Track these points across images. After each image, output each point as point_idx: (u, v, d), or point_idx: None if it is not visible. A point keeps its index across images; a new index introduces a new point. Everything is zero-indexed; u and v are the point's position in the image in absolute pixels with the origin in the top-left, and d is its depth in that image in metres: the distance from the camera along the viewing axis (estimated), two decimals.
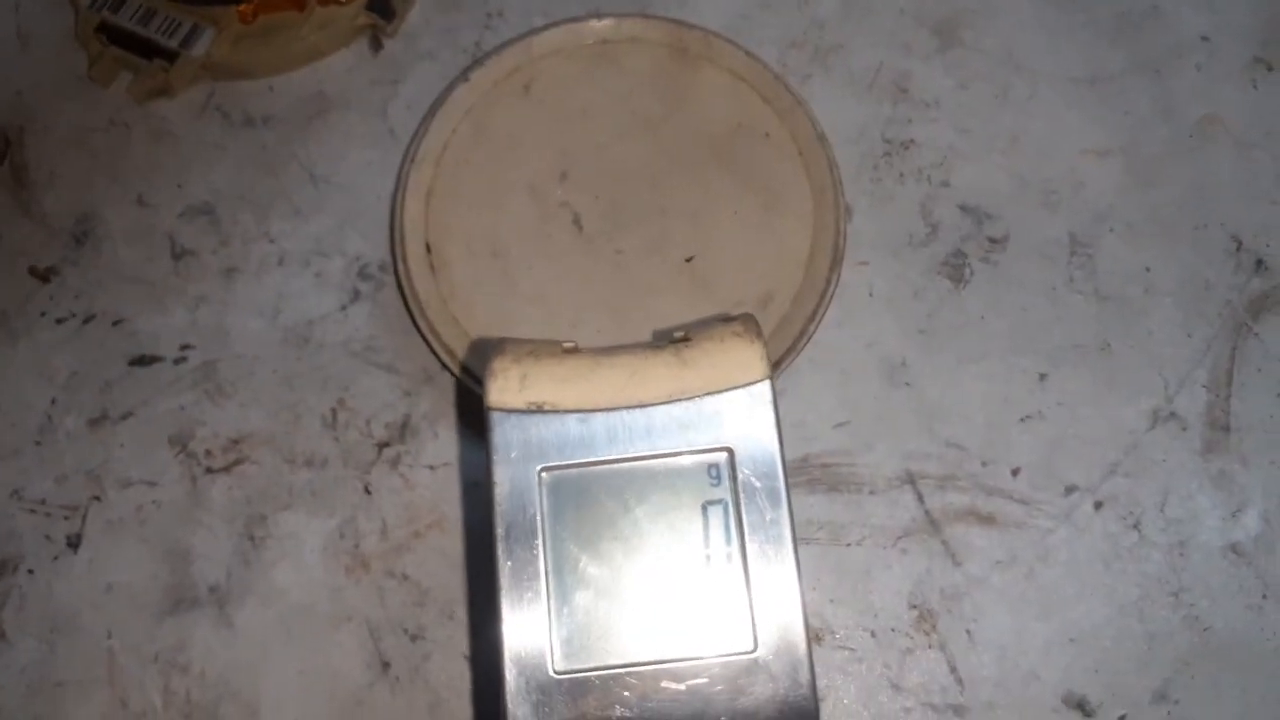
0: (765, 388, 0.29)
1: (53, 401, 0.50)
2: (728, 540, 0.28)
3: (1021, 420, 0.48)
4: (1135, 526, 0.47)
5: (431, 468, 0.48)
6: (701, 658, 0.27)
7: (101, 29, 0.54)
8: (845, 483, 0.47)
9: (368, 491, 0.48)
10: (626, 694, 0.26)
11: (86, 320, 0.51)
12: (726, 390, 0.29)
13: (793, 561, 0.28)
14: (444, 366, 0.48)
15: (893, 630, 0.46)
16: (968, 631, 0.46)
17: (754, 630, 0.27)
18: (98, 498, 0.48)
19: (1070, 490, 0.47)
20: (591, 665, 0.27)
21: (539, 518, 0.28)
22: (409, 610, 0.46)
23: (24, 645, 0.46)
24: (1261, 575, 0.46)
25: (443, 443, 0.49)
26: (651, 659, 0.27)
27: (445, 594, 0.47)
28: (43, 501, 0.48)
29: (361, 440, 0.49)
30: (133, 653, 0.46)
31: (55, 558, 0.47)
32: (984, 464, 0.48)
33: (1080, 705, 0.44)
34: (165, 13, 0.54)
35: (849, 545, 0.47)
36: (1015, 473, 0.48)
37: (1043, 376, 0.49)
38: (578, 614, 0.27)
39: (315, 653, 0.46)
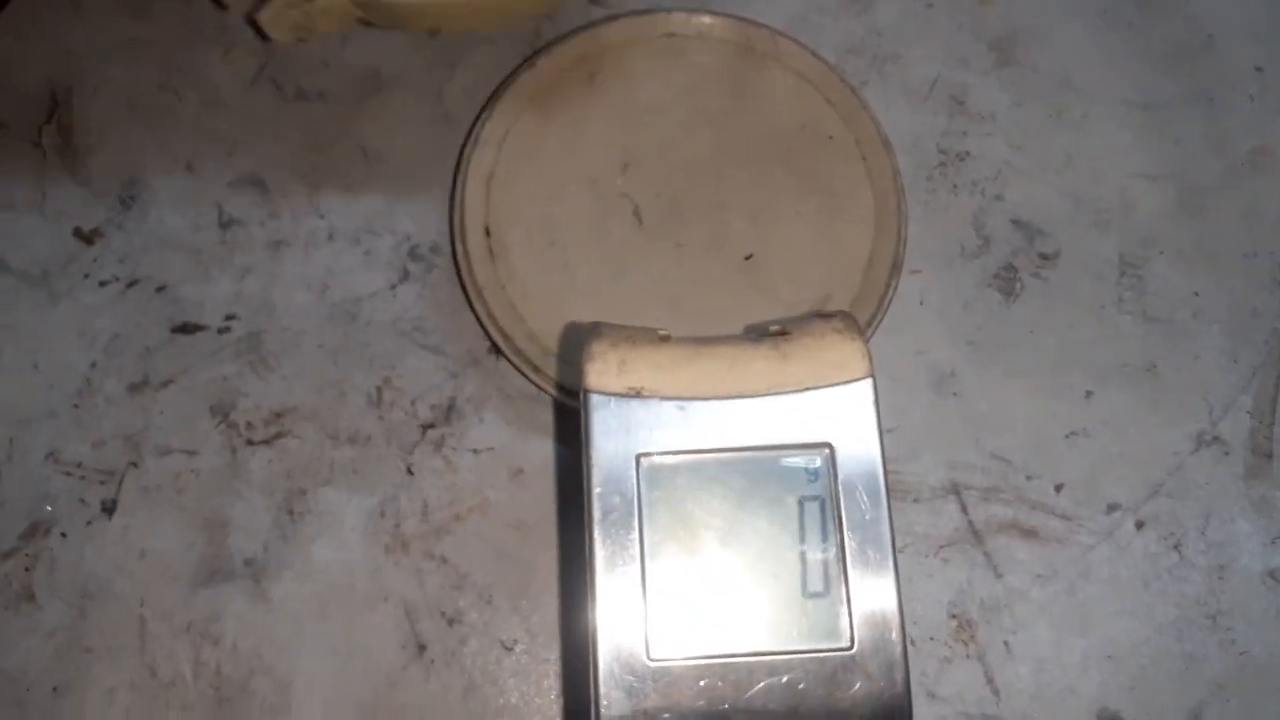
0: (867, 385, 0.29)
1: (93, 365, 0.49)
2: (824, 537, 0.28)
3: (1066, 436, 0.49)
4: (1176, 548, 0.47)
5: (475, 451, 0.48)
6: (798, 653, 0.27)
7: None
8: (890, 489, 0.47)
9: (410, 472, 0.48)
10: (721, 685, 0.26)
11: (130, 285, 0.51)
12: (827, 386, 0.29)
13: (892, 561, 0.28)
14: (497, 350, 0.48)
15: (932, 639, 0.46)
16: (1006, 643, 0.46)
17: (851, 628, 0.27)
18: (135, 464, 0.48)
19: (1113, 508, 0.47)
20: (687, 654, 0.27)
21: (636, 503, 0.28)
22: (447, 593, 0.46)
23: (53, 609, 0.46)
24: None
25: (488, 426, 0.48)
26: (747, 651, 0.27)
27: (484, 578, 0.46)
28: (79, 465, 0.48)
29: (405, 420, 0.48)
30: (164, 622, 0.46)
31: (89, 522, 0.47)
32: (1028, 478, 0.48)
33: None
34: None
35: None
36: (1059, 488, 0.48)
37: (1089, 394, 0.49)
38: (674, 602, 0.27)
39: (350, 631, 0.46)
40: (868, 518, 0.28)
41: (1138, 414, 0.49)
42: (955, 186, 0.53)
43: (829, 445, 0.28)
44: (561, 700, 0.45)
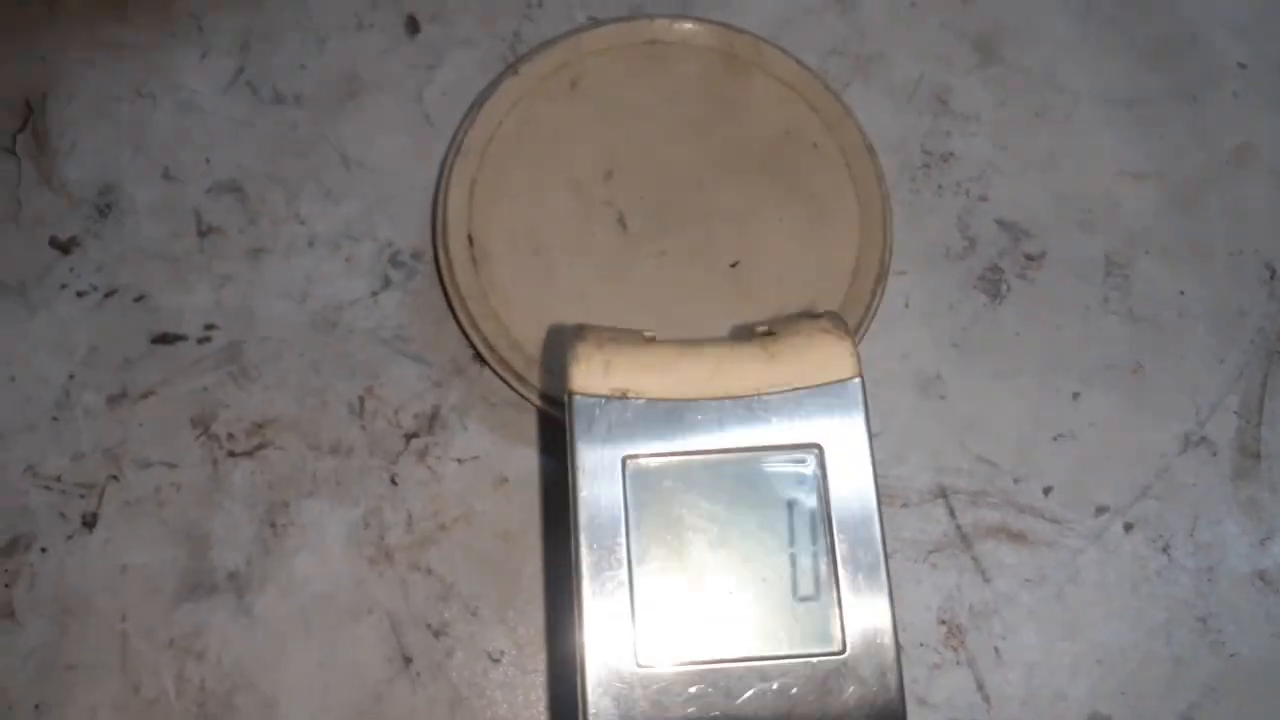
0: (856, 385, 0.28)
1: (71, 377, 0.48)
2: (814, 539, 0.28)
3: (1054, 439, 0.48)
4: (1164, 550, 0.47)
5: (460, 461, 0.48)
6: (789, 657, 0.26)
7: None
8: (880, 491, 0.47)
9: (394, 482, 0.47)
10: (711, 691, 0.26)
11: (108, 294, 0.50)
12: (816, 386, 0.28)
13: (883, 563, 0.27)
14: (479, 359, 0.48)
15: (921, 645, 0.46)
16: (996, 649, 0.46)
17: (843, 632, 0.27)
18: (115, 477, 0.47)
19: (1101, 511, 0.47)
20: (676, 661, 0.26)
21: (623, 507, 0.27)
22: (432, 605, 0.46)
23: (34, 626, 0.45)
24: None
25: (472, 436, 0.48)
26: (738, 657, 0.26)
27: (470, 590, 0.46)
28: (58, 479, 0.47)
29: (389, 430, 0.48)
30: (146, 638, 0.45)
31: (69, 537, 0.46)
32: (1016, 481, 0.48)
33: None
34: None
35: None
36: (1047, 491, 0.48)
37: (1075, 395, 0.49)
38: (662, 608, 0.27)
39: (335, 645, 0.45)
40: (858, 519, 0.27)
41: (1125, 415, 0.49)
42: (940, 187, 0.52)
43: (818, 446, 0.28)
44: (549, 714, 0.44)
